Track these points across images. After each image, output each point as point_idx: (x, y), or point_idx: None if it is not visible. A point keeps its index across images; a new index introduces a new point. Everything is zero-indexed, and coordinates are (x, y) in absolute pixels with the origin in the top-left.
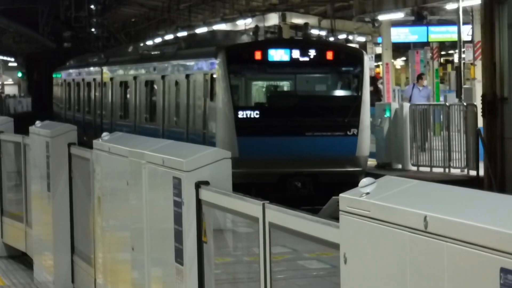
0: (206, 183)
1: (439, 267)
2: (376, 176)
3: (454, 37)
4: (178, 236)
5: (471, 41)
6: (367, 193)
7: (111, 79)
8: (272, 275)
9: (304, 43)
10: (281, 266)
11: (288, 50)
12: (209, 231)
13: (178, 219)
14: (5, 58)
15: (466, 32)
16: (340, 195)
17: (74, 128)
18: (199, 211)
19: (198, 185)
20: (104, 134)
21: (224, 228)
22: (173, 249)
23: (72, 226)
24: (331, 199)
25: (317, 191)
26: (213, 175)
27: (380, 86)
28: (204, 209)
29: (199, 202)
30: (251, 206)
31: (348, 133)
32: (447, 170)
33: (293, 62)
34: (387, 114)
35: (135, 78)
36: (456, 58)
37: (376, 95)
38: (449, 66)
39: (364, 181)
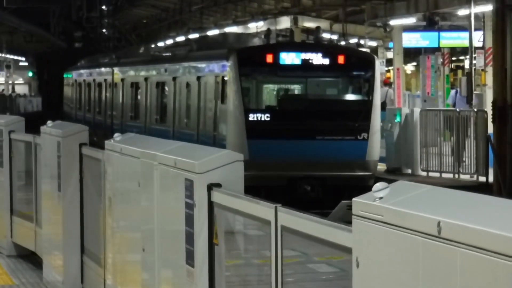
0: (218, 185)
1: (452, 273)
2: (385, 181)
3: (466, 43)
4: (189, 238)
5: (482, 47)
6: (381, 198)
7: (122, 80)
8: (283, 278)
9: (315, 47)
10: (291, 269)
11: (299, 54)
12: (221, 234)
13: (189, 221)
14: (16, 57)
15: (478, 38)
16: (354, 199)
17: (85, 129)
18: (211, 213)
19: (210, 187)
20: (116, 135)
21: (235, 231)
22: (184, 250)
23: (82, 226)
24: (340, 203)
25: (326, 195)
26: (225, 178)
27: (390, 91)
28: (216, 211)
29: (211, 204)
30: (263, 209)
31: (358, 137)
32: (456, 175)
33: (304, 65)
34: (398, 119)
35: (146, 79)
36: (467, 64)
37: None
38: (459, 72)
39: (378, 185)
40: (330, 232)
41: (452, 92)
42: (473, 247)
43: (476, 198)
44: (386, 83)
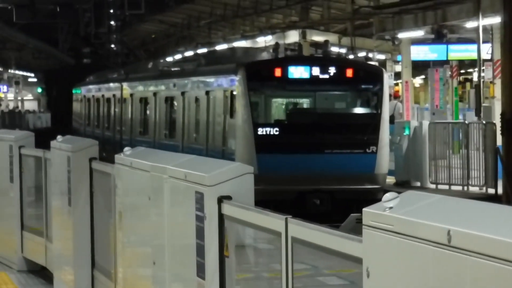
0: (229, 197)
1: (463, 282)
2: None
3: (474, 56)
4: (200, 251)
5: (491, 60)
6: (391, 208)
7: (131, 95)
8: None
9: (323, 61)
10: (301, 282)
11: (307, 68)
12: (231, 246)
13: (200, 233)
14: (24, 73)
15: (486, 51)
16: (364, 209)
17: (95, 143)
18: (221, 225)
19: (220, 199)
20: (126, 148)
21: (245, 244)
22: (194, 263)
23: (92, 241)
24: (349, 216)
25: (335, 208)
26: (235, 190)
27: (399, 104)
28: (226, 223)
29: (221, 217)
30: (273, 221)
31: (367, 150)
32: (465, 188)
33: (313, 79)
34: (406, 132)
35: (155, 94)
36: (475, 77)
37: None
38: (468, 84)
39: (388, 195)
40: (341, 243)
41: None
42: (484, 255)
43: (485, 206)
44: (396, 96)
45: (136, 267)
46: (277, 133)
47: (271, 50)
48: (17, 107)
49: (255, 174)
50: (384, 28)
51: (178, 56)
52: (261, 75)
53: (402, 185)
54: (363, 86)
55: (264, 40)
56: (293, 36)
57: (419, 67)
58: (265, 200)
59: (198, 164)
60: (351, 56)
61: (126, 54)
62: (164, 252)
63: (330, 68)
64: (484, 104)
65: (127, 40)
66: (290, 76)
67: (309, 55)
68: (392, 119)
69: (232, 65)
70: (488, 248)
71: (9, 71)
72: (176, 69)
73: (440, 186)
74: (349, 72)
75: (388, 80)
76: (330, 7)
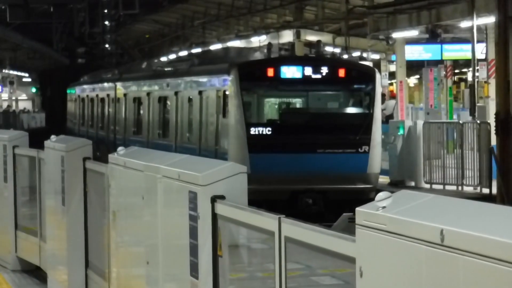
0: (222, 197)
1: (456, 281)
2: None
3: (468, 55)
4: (194, 250)
5: (485, 59)
6: (384, 207)
7: (125, 95)
8: None
9: (316, 61)
10: (295, 282)
11: (300, 68)
12: (225, 245)
13: (193, 233)
14: (19, 73)
15: (480, 50)
16: (357, 209)
17: (89, 143)
18: (215, 225)
19: (213, 199)
20: (120, 148)
21: (239, 244)
22: (188, 263)
23: (86, 240)
24: (341, 216)
25: (328, 208)
26: (228, 190)
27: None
28: (220, 223)
29: (214, 216)
30: (267, 220)
31: (359, 150)
32: (460, 187)
33: (305, 79)
34: (401, 132)
35: (148, 94)
36: (469, 76)
37: None
38: (462, 84)
39: (381, 195)
40: (334, 242)
41: None
42: (476, 254)
43: (478, 206)
44: (393, 96)
45: (129, 266)
46: (269, 133)
47: (264, 50)
48: (10, 106)
49: (248, 173)
50: (379, 28)
51: (172, 56)
52: (253, 75)
53: (396, 185)
54: (355, 86)
55: (259, 40)
56: (287, 36)
57: (414, 66)
58: (258, 199)
59: (192, 163)
60: (345, 56)
61: (121, 54)
62: (158, 252)
63: (322, 68)
64: (478, 104)
65: (122, 40)
66: (282, 76)
67: (302, 55)
68: (391, 118)
69: (225, 65)
70: (481, 248)
71: (4, 71)
72: (169, 69)
73: (434, 186)
74: (342, 72)
75: (380, 80)
76: (324, 6)
